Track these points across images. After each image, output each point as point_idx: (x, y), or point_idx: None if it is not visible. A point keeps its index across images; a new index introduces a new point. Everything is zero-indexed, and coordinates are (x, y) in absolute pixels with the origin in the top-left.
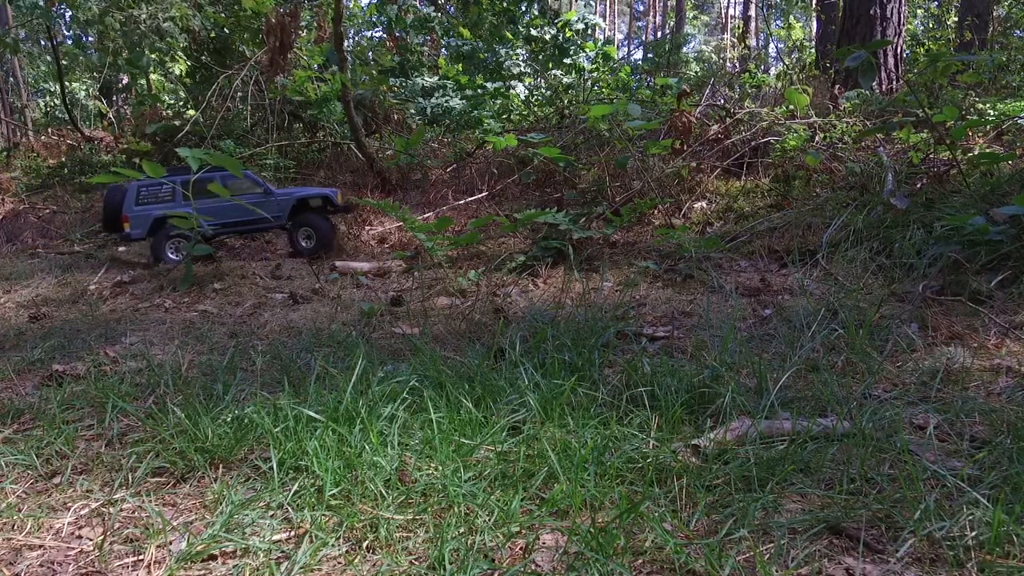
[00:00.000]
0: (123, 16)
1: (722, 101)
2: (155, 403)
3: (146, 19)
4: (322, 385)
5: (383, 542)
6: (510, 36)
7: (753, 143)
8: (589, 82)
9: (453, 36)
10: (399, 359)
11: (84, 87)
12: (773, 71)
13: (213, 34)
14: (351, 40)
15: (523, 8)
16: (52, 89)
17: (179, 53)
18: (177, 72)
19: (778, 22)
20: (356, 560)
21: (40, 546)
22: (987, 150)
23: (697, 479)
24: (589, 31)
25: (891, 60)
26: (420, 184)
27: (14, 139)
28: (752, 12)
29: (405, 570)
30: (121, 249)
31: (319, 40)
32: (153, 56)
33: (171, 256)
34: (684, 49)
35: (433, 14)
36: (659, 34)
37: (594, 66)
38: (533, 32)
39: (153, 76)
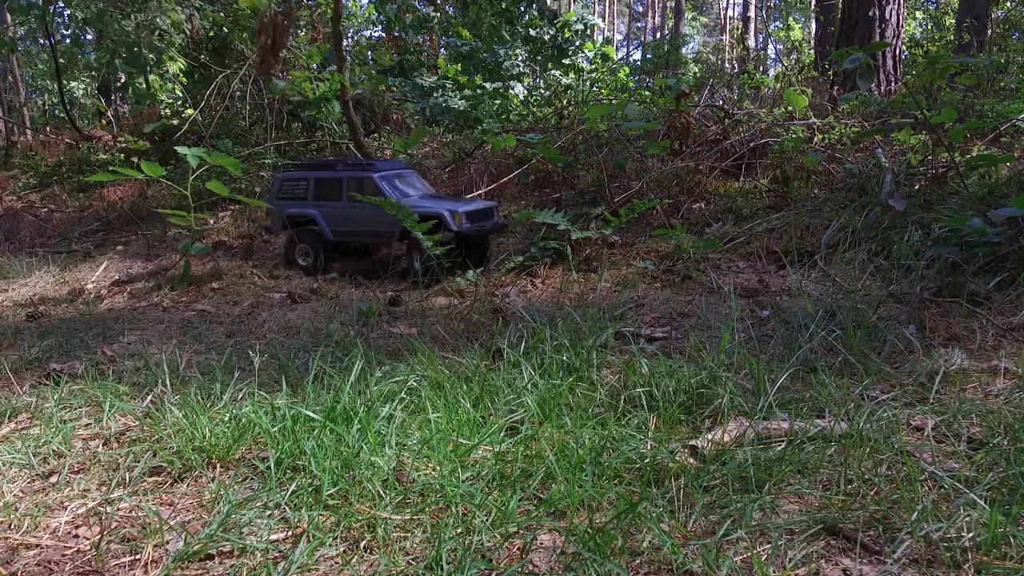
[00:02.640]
0: (121, 16)
1: (721, 102)
2: (153, 402)
3: (142, 22)
4: (320, 385)
5: (380, 542)
6: (506, 37)
7: (752, 144)
8: (588, 82)
9: (452, 36)
10: (397, 359)
11: (83, 86)
12: (772, 72)
13: (212, 33)
14: (349, 40)
15: (522, 8)
16: (50, 87)
17: (174, 52)
18: (173, 71)
19: (777, 23)
20: (353, 560)
21: (37, 545)
22: (985, 152)
23: (695, 480)
24: (588, 31)
25: (890, 62)
26: None
27: (12, 138)
28: (751, 13)
29: (402, 570)
30: (119, 248)
31: (313, 40)
32: (151, 56)
33: (300, 261)
34: (683, 50)
35: (432, 14)
36: (658, 35)
37: (593, 66)
38: (532, 32)
39: (152, 76)
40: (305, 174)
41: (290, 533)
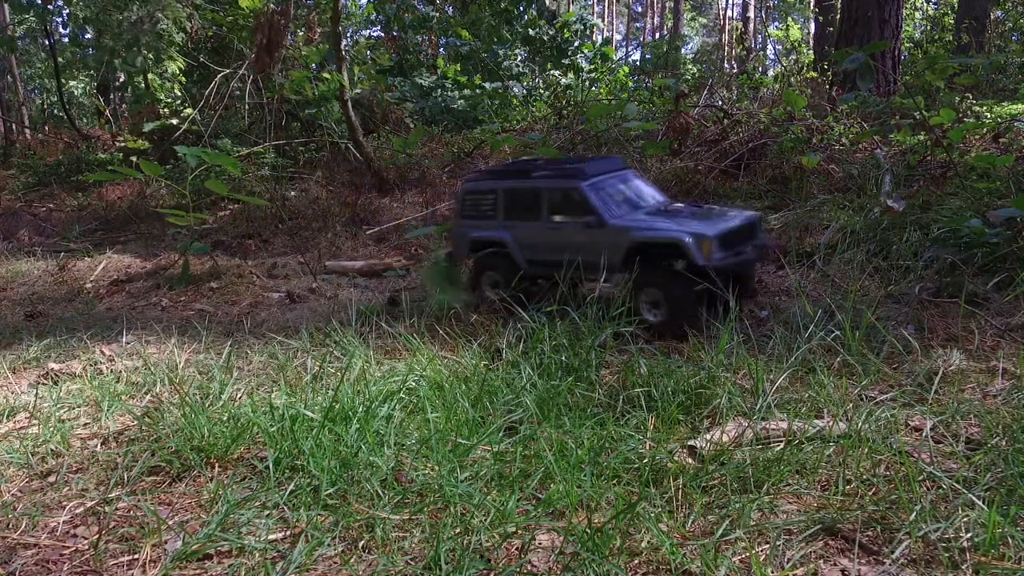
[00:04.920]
0: (120, 16)
1: (720, 103)
2: (151, 402)
3: (141, 19)
4: (319, 384)
5: (379, 542)
6: (506, 37)
7: (751, 144)
8: (587, 82)
9: (451, 36)
10: (396, 359)
11: (81, 85)
12: (771, 72)
13: (211, 33)
14: (349, 39)
15: (521, 8)
16: (48, 87)
17: (173, 52)
18: (172, 71)
19: (776, 24)
20: (352, 560)
21: (35, 544)
22: (984, 153)
23: (693, 480)
24: (587, 31)
25: (889, 62)
26: (417, 183)
27: (11, 137)
28: (751, 14)
29: (401, 570)
30: (118, 247)
31: (310, 40)
32: (149, 55)
33: (488, 294)
34: (682, 51)
35: (431, 14)
36: (657, 35)
37: (592, 66)
38: (531, 32)
39: (150, 75)
40: (493, 184)
41: (289, 533)
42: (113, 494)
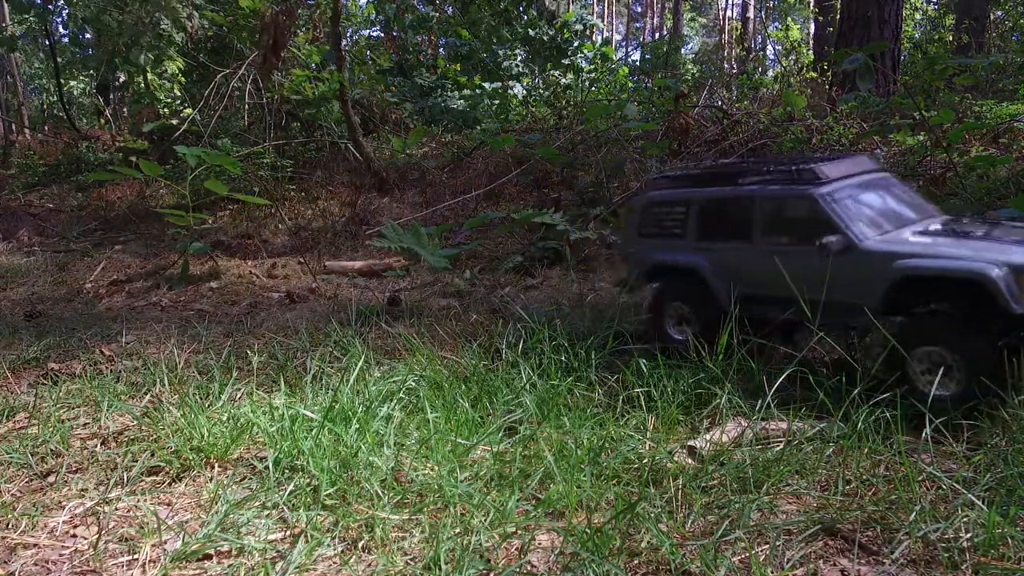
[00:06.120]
0: (119, 15)
1: (720, 103)
2: (151, 402)
3: (141, 19)
4: (318, 385)
5: (379, 542)
6: (506, 37)
7: (751, 145)
8: (587, 82)
9: (451, 36)
10: (396, 359)
11: (81, 85)
12: (771, 73)
13: (211, 32)
14: (349, 40)
15: (521, 9)
16: (47, 87)
17: (172, 52)
18: (172, 71)
19: (775, 24)
20: (352, 560)
21: (35, 545)
22: (984, 153)
23: (693, 480)
24: (587, 32)
25: (888, 63)
26: (417, 183)
27: (11, 136)
28: (751, 14)
29: (400, 570)
30: (118, 247)
31: (315, 40)
32: (150, 55)
33: (676, 335)
34: (682, 51)
35: (431, 14)
36: (657, 35)
37: (592, 67)
38: (531, 33)
39: (150, 75)
40: (685, 193)
41: (288, 533)
42: (113, 494)
